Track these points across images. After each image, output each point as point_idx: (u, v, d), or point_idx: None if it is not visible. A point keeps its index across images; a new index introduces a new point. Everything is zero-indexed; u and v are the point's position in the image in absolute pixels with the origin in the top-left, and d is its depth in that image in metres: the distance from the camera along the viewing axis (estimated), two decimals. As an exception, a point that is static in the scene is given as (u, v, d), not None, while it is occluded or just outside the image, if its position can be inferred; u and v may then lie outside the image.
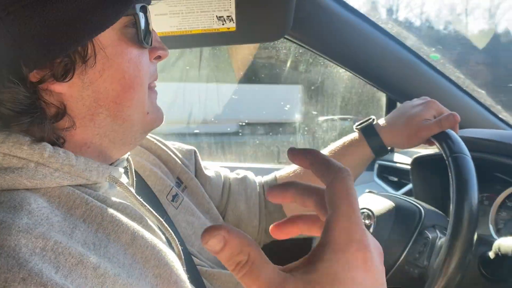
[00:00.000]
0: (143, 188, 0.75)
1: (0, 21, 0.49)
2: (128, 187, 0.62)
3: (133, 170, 0.72)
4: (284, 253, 1.45)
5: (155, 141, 0.85)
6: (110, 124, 0.60)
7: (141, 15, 0.59)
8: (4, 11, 0.49)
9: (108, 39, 0.56)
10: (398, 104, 1.39)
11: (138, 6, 0.58)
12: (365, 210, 0.88)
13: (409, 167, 1.14)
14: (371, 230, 0.83)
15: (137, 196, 0.63)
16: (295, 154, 0.40)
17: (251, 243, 0.31)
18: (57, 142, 0.56)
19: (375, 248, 0.35)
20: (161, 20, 1.03)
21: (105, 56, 0.56)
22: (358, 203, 0.34)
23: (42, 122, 0.54)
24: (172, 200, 0.77)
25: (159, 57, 0.66)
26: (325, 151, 0.94)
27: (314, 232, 0.41)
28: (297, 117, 2.05)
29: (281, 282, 0.31)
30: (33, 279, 0.42)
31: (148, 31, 0.61)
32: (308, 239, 1.09)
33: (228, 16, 1.03)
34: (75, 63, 0.54)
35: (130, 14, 0.57)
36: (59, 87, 0.54)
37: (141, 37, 0.59)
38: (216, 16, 1.03)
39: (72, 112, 0.57)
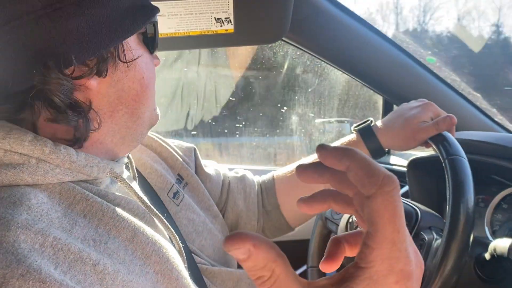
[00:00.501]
0: (144, 185, 0.75)
1: (47, 16, 0.52)
2: (129, 183, 0.63)
3: (134, 166, 0.72)
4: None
5: (156, 138, 0.85)
6: (125, 121, 0.63)
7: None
8: (52, 7, 0.52)
9: (133, 42, 0.62)
10: (395, 107, 1.40)
11: (157, 15, 0.65)
12: (362, 212, 0.88)
13: (405, 169, 1.15)
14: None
15: (138, 192, 0.64)
16: (325, 153, 0.32)
17: (277, 257, 0.28)
18: (79, 141, 0.58)
19: (417, 269, 0.32)
20: (160, 21, 1.03)
21: (131, 57, 0.61)
22: (404, 222, 0.30)
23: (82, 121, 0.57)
24: (173, 197, 0.77)
25: (155, 65, 0.71)
26: None
27: (347, 211, 0.37)
28: (294, 119, 2.05)
29: None
30: (31, 275, 0.42)
31: (155, 39, 0.67)
32: (307, 241, 1.09)
33: (226, 18, 1.03)
34: (107, 61, 0.58)
35: (153, 21, 0.64)
36: (93, 83, 0.57)
37: (157, 43, 0.66)
38: (215, 18, 1.03)
39: (95, 109, 0.59)
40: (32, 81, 0.52)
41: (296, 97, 2.00)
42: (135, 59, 0.62)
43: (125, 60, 0.60)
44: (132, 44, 0.62)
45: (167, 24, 1.04)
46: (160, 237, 0.61)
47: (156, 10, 0.64)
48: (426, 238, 0.77)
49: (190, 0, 1.00)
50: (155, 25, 0.65)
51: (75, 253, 0.48)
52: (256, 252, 0.27)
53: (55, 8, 0.52)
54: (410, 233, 0.79)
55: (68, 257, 0.47)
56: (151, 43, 0.66)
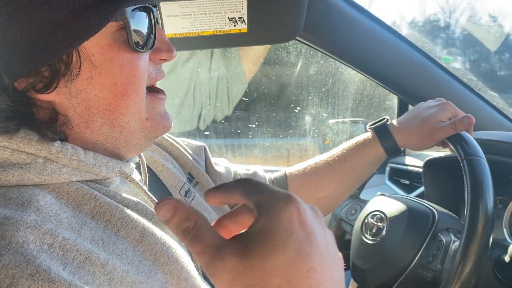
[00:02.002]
0: (156, 183, 0.74)
1: None
2: (139, 183, 0.62)
3: (146, 166, 0.71)
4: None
5: (166, 137, 0.85)
6: (109, 132, 0.58)
7: (140, 16, 0.57)
8: None
9: (96, 45, 0.53)
10: (410, 107, 1.38)
11: (129, 9, 0.54)
12: (377, 213, 0.87)
13: (421, 170, 1.13)
14: (384, 232, 0.83)
15: (148, 192, 0.63)
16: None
17: (198, 213, 0.36)
18: (59, 137, 0.55)
19: (309, 207, 0.38)
20: (173, 21, 1.03)
21: (92, 64, 0.53)
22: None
23: (35, 126, 0.53)
24: (185, 196, 0.77)
25: (164, 59, 0.63)
26: (337, 150, 0.94)
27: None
28: (308, 119, 2.04)
29: (222, 245, 0.35)
30: (40, 275, 0.42)
31: (149, 33, 0.58)
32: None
33: (240, 18, 1.03)
34: (59, 72, 0.52)
35: (119, 20, 0.54)
36: (44, 96, 0.53)
37: (132, 43, 0.55)
38: (228, 17, 1.03)
39: (65, 118, 0.56)
40: None
41: (310, 97, 1.99)
42: (72, 69, 0.53)
43: (77, 69, 0.53)
44: (96, 48, 0.53)
45: (181, 24, 1.04)
46: (169, 237, 0.61)
47: (119, 6, 0.53)
48: (444, 240, 0.76)
49: (203, 0, 1.00)
50: (125, 22, 0.54)
51: (84, 253, 0.48)
52: (180, 206, 0.36)
53: None
54: (427, 234, 0.78)
55: (77, 257, 0.47)
56: (138, 39, 0.56)
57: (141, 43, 0.57)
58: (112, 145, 0.60)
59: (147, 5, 0.57)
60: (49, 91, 0.53)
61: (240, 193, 0.39)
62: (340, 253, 0.39)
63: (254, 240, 0.34)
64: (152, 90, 0.64)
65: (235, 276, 0.33)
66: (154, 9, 0.59)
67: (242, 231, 0.37)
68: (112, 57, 0.54)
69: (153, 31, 0.59)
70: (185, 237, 0.36)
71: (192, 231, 0.35)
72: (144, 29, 0.57)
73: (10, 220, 0.45)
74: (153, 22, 0.59)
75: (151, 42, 0.59)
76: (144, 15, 0.57)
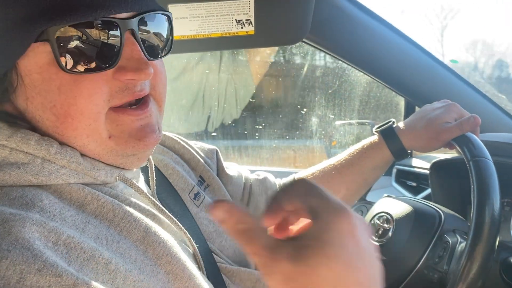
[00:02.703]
0: (165, 186, 0.75)
1: None
2: (140, 187, 0.62)
3: (153, 169, 0.72)
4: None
5: (179, 140, 0.85)
6: (77, 153, 0.55)
7: (103, 32, 0.52)
8: None
9: (34, 64, 0.51)
10: (417, 109, 1.38)
11: (52, 30, 0.49)
12: (384, 214, 0.87)
13: (427, 172, 1.13)
14: (390, 233, 0.83)
15: (151, 197, 0.63)
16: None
17: (252, 215, 0.38)
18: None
19: (359, 219, 0.38)
20: (181, 23, 1.04)
21: (29, 83, 0.51)
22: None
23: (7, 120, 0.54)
24: (194, 198, 0.77)
25: (132, 79, 0.55)
26: (344, 154, 0.94)
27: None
28: (314, 121, 2.04)
29: (276, 247, 0.36)
30: (48, 270, 0.43)
31: (107, 51, 0.52)
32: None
33: (247, 20, 1.04)
34: (2, 88, 0.53)
35: (43, 40, 0.50)
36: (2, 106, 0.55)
37: (62, 65, 0.50)
38: (235, 19, 1.03)
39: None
40: None
41: (316, 99, 2.00)
42: (9, 87, 0.53)
43: (12, 87, 0.52)
44: (34, 67, 0.51)
45: (189, 26, 1.04)
46: (171, 238, 0.61)
47: (48, 21, 0.49)
48: (450, 241, 0.76)
49: (211, 2, 1.01)
50: (50, 43, 0.50)
51: (88, 251, 0.48)
52: (234, 209, 0.37)
53: None
54: (434, 235, 0.78)
55: (81, 255, 0.47)
56: (77, 58, 0.51)
57: (85, 62, 0.52)
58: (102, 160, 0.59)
59: (110, 19, 0.51)
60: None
61: (297, 195, 0.40)
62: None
63: (307, 246, 0.36)
64: (133, 104, 0.57)
65: (288, 278, 0.35)
66: (128, 21, 0.53)
67: (295, 235, 0.39)
68: (50, 77, 0.51)
69: (112, 48, 0.53)
70: (241, 238, 0.37)
71: (247, 232, 0.37)
72: (96, 47, 0.52)
73: (16, 216, 0.46)
74: (121, 37, 0.53)
75: (114, 60, 0.53)
76: (102, 27, 0.52)
